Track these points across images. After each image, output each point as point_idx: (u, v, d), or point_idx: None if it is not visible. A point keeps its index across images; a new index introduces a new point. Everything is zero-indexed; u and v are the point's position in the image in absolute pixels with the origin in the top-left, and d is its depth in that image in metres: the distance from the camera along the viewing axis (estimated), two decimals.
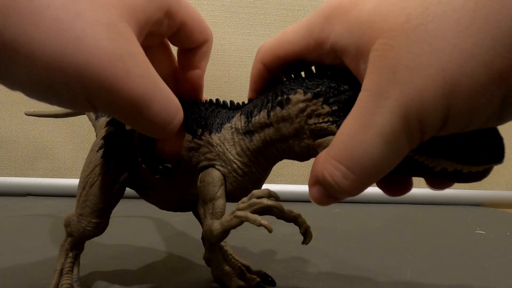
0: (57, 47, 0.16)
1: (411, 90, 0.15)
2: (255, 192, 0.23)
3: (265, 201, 0.22)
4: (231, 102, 0.26)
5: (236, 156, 0.25)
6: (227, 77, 0.75)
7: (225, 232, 0.24)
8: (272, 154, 0.24)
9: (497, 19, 0.14)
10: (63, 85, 0.16)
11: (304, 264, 0.39)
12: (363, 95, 0.17)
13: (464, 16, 0.14)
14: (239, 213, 0.23)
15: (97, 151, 0.29)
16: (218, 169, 0.25)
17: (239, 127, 0.25)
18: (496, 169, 0.20)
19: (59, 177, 0.74)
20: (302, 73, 0.22)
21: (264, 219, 0.22)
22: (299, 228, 0.25)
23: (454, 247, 0.48)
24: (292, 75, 0.23)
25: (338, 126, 0.20)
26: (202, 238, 0.34)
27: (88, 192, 0.29)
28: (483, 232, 0.56)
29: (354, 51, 0.18)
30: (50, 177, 0.74)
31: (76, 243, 0.31)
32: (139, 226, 0.52)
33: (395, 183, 0.23)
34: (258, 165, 0.25)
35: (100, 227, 0.30)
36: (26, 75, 0.16)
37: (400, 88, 0.16)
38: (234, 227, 0.23)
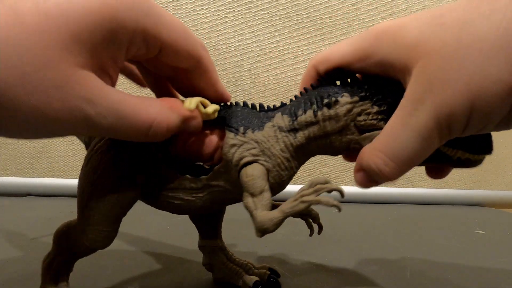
0: (24, 115, 0.18)
1: (443, 98, 0.20)
2: (316, 179, 0.25)
3: (331, 185, 0.24)
4: (260, 104, 0.28)
5: (280, 152, 0.27)
6: (227, 77, 0.75)
7: (283, 220, 0.25)
8: (311, 150, 0.27)
9: (510, 47, 0.18)
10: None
11: (304, 264, 0.39)
12: (405, 100, 0.22)
13: (487, 45, 0.19)
14: (307, 198, 0.24)
15: (107, 153, 0.27)
16: (262, 164, 0.26)
17: (283, 125, 0.27)
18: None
19: (59, 177, 0.74)
20: (338, 81, 0.27)
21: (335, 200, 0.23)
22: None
23: (454, 247, 0.48)
24: (337, 82, 0.27)
25: (385, 122, 0.24)
26: (201, 246, 0.34)
27: (98, 197, 0.26)
28: (483, 232, 0.56)
29: (400, 66, 0.22)
30: (50, 177, 0.74)
31: (69, 262, 0.28)
32: (139, 226, 0.52)
33: (435, 169, 0.28)
34: (298, 160, 0.28)
35: (111, 236, 0.27)
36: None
37: (434, 96, 0.20)
38: (300, 212, 0.24)
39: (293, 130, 0.27)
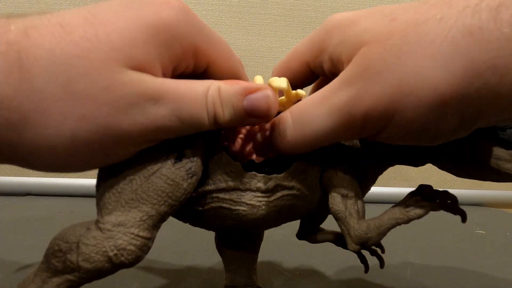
0: (71, 130, 0.17)
1: (370, 87, 0.19)
2: (425, 185, 0.23)
3: (449, 193, 0.22)
4: None
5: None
6: None
7: (390, 229, 0.22)
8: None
9: (453, 57, 0.17)
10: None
11: (304, 264, 0.39)
12: (336, 79, 0.20)
13: (431, 49, 0.18)
14: (426, 202, 0.21)
15: None
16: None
17: None
18: None
19: (59, 177, 0.74)
20: None
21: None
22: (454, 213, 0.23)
23: (454, 247, 0.47)
24: None
25: None
26: (217, 245, 0.27)
27: (141, 186, 0.19)
28: (483, 232, 0.55)
29: (346, 57, 0.20)
30: (50, 177, 0.74)
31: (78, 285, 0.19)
32: None
33: None
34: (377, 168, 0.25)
35: (148, 246, 0.19)
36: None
37: (363, 83, 0.19)
38: (418, 218, 0.22)
39: None
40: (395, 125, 0.19)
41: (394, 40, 0.18)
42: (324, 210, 0.24)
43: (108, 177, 0.19)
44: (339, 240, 0.29)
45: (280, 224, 0.24)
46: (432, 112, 0.18)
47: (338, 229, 0.29)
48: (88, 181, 0.71)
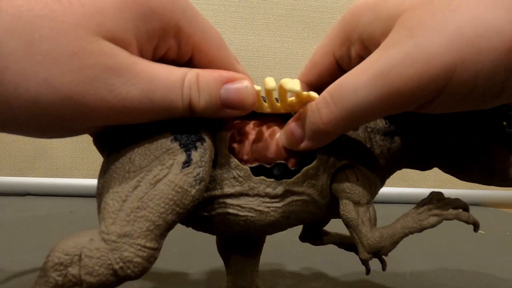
0: (31, 93, 0.16)
1: (425, 42, 0.16)
2: (437, 193, 0.22)
3: (461, 201, 0.22)
4: None
5: (379, 159, 0.23)
6: None
7: (403, 238, 0.21)
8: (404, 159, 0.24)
9: None
10: (53, 124, 0.17)
11: (304, 264, 0.39)
12: (376, 50, 0.18)
13: None
14: (439, 211, 0.21)
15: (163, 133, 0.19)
16: (362, 170, 0.22)
17: (377, 127, 0.23)
18: None
19: (59, 177, 0.74)
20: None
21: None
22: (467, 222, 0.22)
23: (454, 247, 0.47)
24: None
25: None
26: (219, 248, 0.26)
27: (147, 194, 0.17)
28: (483, 232, 0.55)
29: (380, 32, 0.19)
30: (49, 177, 0.74)
31: None
32: None
33: None
34: (389, 173, 0.24)
35: (155, 257, 0.18)
36: (12, 119, 0.16)
37: (415, 40, 0.17)
38: (431, 227, 0.21)
39: (390, 133, 0.23)
40: (457, 84, 0.16)
41: None
42: (332, 215, 0.24)
43: (111, 183, 0.18)
44: (343, 242, 0.29)
45: (286, 229, 0.24)
46: (500, 61, 0.16)
47: (340, 231, 0.29)
48: (88, 181, 0.71)
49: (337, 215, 0.23)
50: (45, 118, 0.16)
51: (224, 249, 0.26)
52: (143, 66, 0.17)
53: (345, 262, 0.40)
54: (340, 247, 0.29)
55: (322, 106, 0.19)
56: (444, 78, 0.16)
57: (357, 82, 0.18)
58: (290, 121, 0.21)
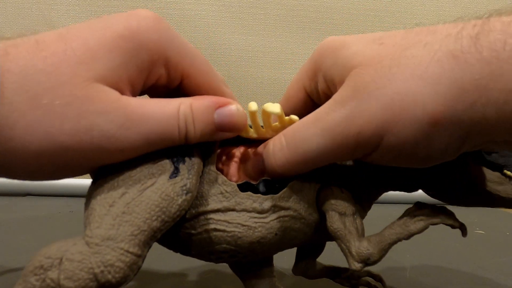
0: (36, 146, 0.17)
1: (363, 107, 0.19)
2: (421, 203, 0.22)
3: (447, 208, 0.22)
4: None
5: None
6: (227, 77, 0.75)
7: (392, 245, 0.21)
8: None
9: (440, 78, 0.18)
10: (55, 167, 0.18)
11: None
12: (329, 101, 0.21)
13: (419, 70, 0.18)
14: (425, 217, 0.21)
15: None
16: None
17: None
18: None
19: None
20: None
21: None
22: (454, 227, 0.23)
23: (453, 247, 0.47)
24: None
25: None
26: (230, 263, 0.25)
27: (134, 200, 0.18)
28: (483, 232, 0.55)
29: (338, 79, 0.21)
30: None
31: None
32: None
33: None
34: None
35: (138, 265, 0.18)
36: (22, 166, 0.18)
37: (356, 103, 0.19)
38: (418, 233, 0.21)
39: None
40: (387, 145, 0.19)
41: (383, 62, 0.19)
42: (322, 236, 0.24)
43: (99, 190, 0.19)
44: (338, 273, 0.29)
45: (277, 252, 0.23)
46: (421, 131, 0.18)
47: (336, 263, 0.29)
48: (88, 181, 0.71)
49: (328, 237, 0.23)
50: (52, 167, 0.18)
51: (237, 267, 0.26)
52: (135, 106, 0.18)
53: (345, 262, 0.40)
54: (335, 281, 0.30)
55: (277, 149, 0.21)
56: (376, 139, 0.19)
57: (309, 133, 0.20)
58: (258, 149, 0.23)
